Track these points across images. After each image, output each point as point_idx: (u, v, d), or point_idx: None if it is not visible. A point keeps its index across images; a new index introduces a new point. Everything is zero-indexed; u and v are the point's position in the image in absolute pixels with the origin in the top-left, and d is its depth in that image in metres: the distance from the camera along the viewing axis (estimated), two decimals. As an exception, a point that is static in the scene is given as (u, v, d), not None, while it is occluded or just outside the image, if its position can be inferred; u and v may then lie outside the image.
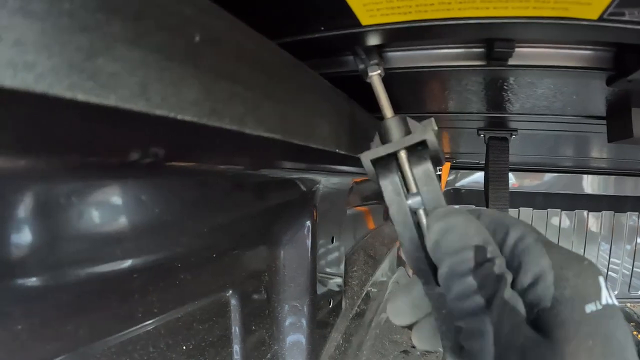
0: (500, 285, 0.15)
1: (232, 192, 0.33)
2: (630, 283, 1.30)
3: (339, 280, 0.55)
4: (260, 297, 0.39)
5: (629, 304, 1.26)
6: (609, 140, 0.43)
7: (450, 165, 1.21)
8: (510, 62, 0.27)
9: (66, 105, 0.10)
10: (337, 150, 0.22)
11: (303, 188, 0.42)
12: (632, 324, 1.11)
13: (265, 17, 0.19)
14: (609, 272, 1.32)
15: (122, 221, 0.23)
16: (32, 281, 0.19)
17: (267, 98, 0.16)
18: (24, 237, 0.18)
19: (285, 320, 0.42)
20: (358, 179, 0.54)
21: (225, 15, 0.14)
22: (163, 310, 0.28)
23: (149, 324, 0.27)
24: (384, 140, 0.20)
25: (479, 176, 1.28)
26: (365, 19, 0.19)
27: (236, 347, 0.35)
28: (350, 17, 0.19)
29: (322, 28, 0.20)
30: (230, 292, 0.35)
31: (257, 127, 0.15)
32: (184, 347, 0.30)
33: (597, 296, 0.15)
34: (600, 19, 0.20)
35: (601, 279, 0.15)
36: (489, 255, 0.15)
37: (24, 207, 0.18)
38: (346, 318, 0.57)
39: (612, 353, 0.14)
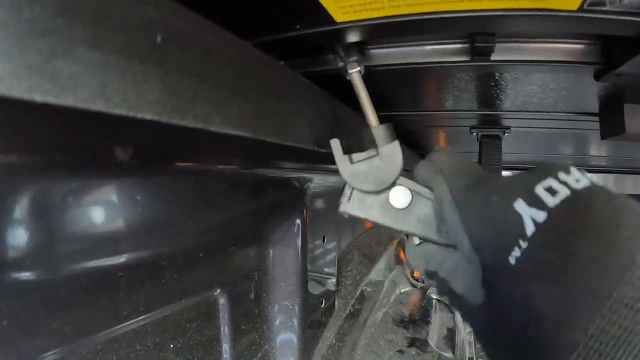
0: (444, 281, 0.20)
1: (220, 191, 0.33)
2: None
3: (332, 279, 0.55)
4: (250, 296, 0.39)
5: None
6: (602, 137, 0.43)
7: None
8: (494, 57, 0.27)
9: (28, 106, 0.10)
10: (316, 148, 0.22)
11: (293, 187, 0.42)
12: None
13: (239, 16, 0.19)
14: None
15: (109, 219, 0.23)
16: (19, 278, 0.20)
17: (237, 96, 0.16)
18: (8, 234, 0.18)
19: (276, 320, 0.42)
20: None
21: (191, 15, 0.14)
22: (150, 308, 0.28)
23: (135, 322, 0.27)
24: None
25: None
26: (339, 16, 0.19)
27: (225, 346, 0.36)
28: (324, 15, 0.19)
29: (298, 27, 0.20)
30: (219, 291, 0.35)
31: (225, 125, 0.15)
32: (172, 346, 0.30)
33: (520, 234, 0.13)
34: (580, 9, 0.19)
35: (520, 202, 0.13)
36: (432, 270, 0.21)
37: (6, 204, 0.18)
38: (339, 317, 0.57)
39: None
